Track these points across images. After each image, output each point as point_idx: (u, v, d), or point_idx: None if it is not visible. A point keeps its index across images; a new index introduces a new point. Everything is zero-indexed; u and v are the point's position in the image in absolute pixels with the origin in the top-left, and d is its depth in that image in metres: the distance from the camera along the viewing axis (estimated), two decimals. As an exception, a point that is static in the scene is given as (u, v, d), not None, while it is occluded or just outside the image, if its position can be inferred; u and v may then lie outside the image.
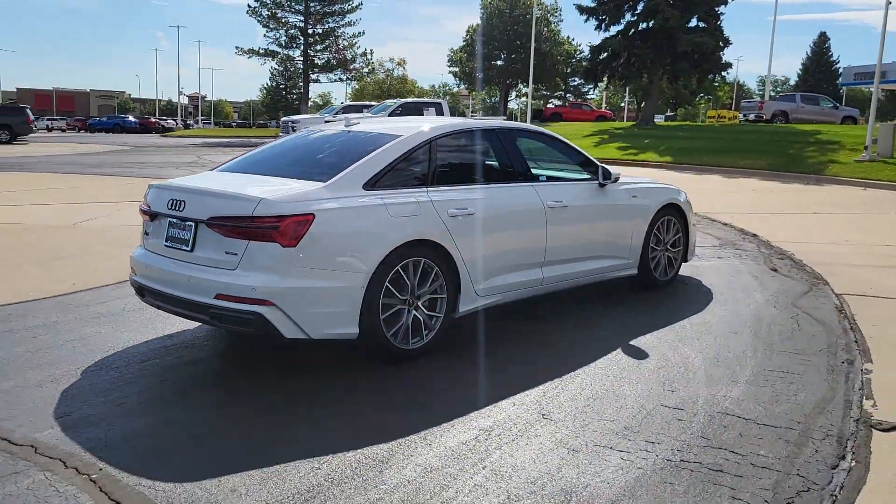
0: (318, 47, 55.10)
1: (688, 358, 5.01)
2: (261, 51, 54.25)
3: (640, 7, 34.66)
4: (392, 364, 4.79)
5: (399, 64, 72.09)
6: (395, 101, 29.50)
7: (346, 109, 30.17)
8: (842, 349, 5.22)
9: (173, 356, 4.94)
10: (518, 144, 5.86)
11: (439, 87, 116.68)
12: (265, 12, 53.12)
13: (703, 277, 7.50)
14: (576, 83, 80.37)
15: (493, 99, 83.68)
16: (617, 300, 6.64)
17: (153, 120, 72.61)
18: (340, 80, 56.91)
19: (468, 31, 69.39)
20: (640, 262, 6.68)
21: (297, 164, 5.21)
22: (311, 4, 53.30)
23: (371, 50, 61.63)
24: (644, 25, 35.21)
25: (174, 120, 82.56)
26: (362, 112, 27.33)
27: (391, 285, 4.70)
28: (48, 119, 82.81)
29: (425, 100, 30.52)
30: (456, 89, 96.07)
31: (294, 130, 29.67)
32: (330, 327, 4.51)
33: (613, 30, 35.43)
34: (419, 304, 4.90)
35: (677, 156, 24.25)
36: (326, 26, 54.76)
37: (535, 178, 5.81)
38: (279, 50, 54.65)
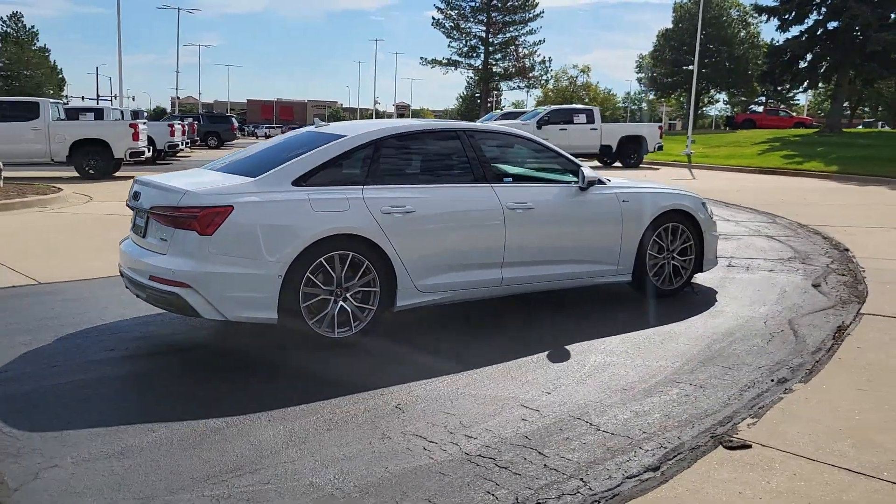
0: (498, 56, 56.05)
1: (607, 365, 4.89)
2: (444, 61, 56.16)
3: (826, 4, 32.03)
4: (320, 350, 5.08)
5: (583, 71, 71.61)
6: (545, 107, 29.52)
7: (506, 116, 30.58)
8: (788, 368, 4.85)
9: (139, 331, 5.57)
10: (483, 147, 5.93)
11: (635, 94, 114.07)
12: (448, 24, 54.94)
13: (725, 289, 7.10)
14: (778, 88, 75.21)
15: (685, 105, 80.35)
16: (604, 305, 6.51)
17: (350, 127, 77.32)
18: (519, 87, 57.54)
19: (657, 36, 67.36)
20: (636, 270, 6.47)
21: (256, 162, 5.63)
22: (493, 15, 54.34)
23: (550, 58, 61.42)
24: (834, 24, 32.51)
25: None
26: (517, 119, 27.60)
27: (313, 275, 5.02)
28: (266, 127, 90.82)
29: (577, 106, 30.19)
30: (651, 96, 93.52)
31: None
32: (247, 311, 4.92)
33: (795, 30, 33.02)
34: (348, 295, 5.17)
35: (845, 165, 22.30)
36: (507, 35, 55.59)
37: (498, 180, 5.86)
38: (461, 59, 56.26)
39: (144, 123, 21.90)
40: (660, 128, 27.43)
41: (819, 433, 3.80)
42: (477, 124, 6.46)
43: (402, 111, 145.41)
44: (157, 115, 76.44)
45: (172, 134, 26.98)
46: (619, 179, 6.81)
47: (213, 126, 43.63)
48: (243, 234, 4.87)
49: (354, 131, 5.58)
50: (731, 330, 5.70)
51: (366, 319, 5.25)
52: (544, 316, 6.20)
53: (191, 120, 36.93)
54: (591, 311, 6.34)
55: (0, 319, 5.81)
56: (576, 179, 6.18)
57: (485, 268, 5.72)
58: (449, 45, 56.97)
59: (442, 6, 54.37)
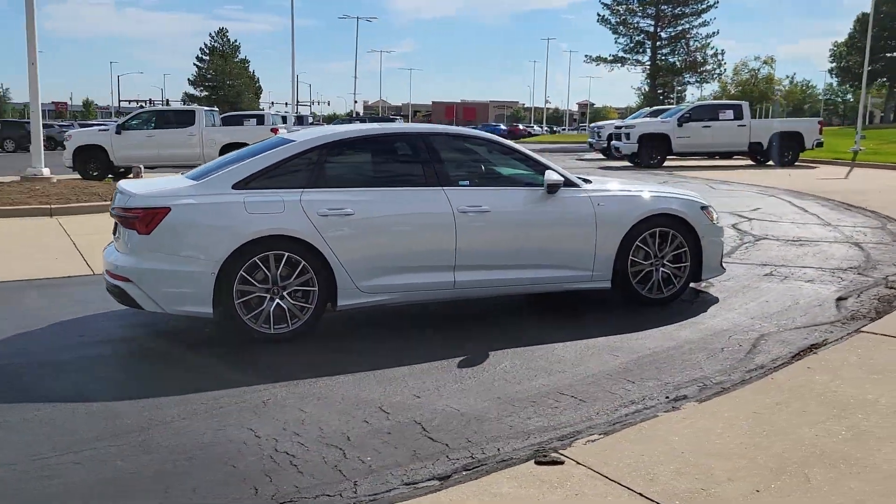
0: (665, 51, 53.93)
1: (509, 373, 4.81)
2: (609, 58, 54.94)
3: None
4: (253, 344, 5.37)
5: (766, 62, 66.65)
6: (688, 103, 28.09)
7: (653, 113, 29.52)
8: (699, 386, 4.53)
9: (122, 321, 6.09)
10: (440, 150, 5.94)
11: (837, 85, 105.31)
12: (615, 19, 53.64)
13: (733, 299, 6.63)
14: None
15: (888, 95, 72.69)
16: (577, 311, 6.32)
17: (520, 127, 77.64)
18: (688, 83, 55.06)
19: (854, 22, 61.62)
20: (617, 276, 6.21)
21: (219, 165, 5.98)
22: (663, 8, 52.34)
23: (723, 50, 57.32)
24: None
25: (540, 126, 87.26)
26: (657, 117, 26.59)
27: (248, 274, 5.31)
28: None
29: (724, 101, 28.44)
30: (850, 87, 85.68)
31: (599, 137, 29.97)
32: (183, 305, 5.32)
33: None
34: (284, 293, 5.42)
35: None
36: (677, 29, 53.35)
37: (453, 183, 5.85)
38: (627, 56, 54.72)
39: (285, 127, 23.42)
40: (819, 123, 25.25)
41: (654, 455, 3.56)
42: (438, 127, 6.48)
43: (583, 109, 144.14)
44: (347, 118, 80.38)
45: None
46: (603, 181, 6.57)
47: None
48: (178, 233, 5.27)
49: (304, 137, 5.82)
50: (683, 343, 5.36)
51: (304, 317, 5.47)
52: (501, 318, 6.14)
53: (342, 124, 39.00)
54: (556, 317, 6.21)
55: (21, 305, 6.62)
56: (557, 181, 5.98)
57: (435, 271, 5.75)
58: (616, 41, 55.66)
59: (608, 2, 53.15)
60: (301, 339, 5.45)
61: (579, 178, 6.42)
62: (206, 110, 21.95)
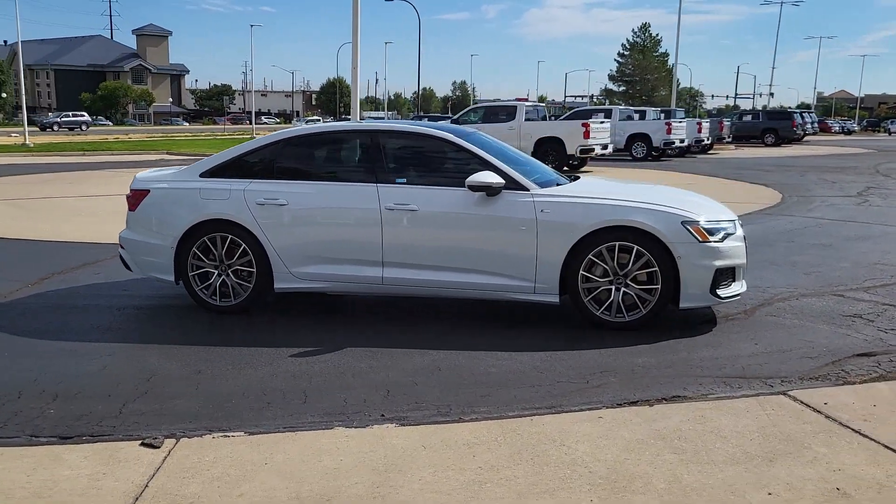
0: None
1: (329, 366, 4.84)
2: None
3: None
4: (200, 312, 6.17)
5: None
6: None
7: None
8: (439, 410, 4.06)
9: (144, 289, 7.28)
10: (386, 148, 5.94)
11: None
12: None
13: (732, 334, 5.46)
14: None
15: None
16: (522, 322, 5.79)
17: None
18: None
19: None
20: (565, 292, 5.57)
21: (215, 156, 6.71)
22: None
23: None
24: None
25: None
26: None
27: (199, 251, 6.11)
28: (890, 122, 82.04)
29: None
30: None
31: None
32: (153, 272, 6.32)
33: None
34: (229, 272, 6.09)
35: None
36: None
37: (390, 180, 5.85)
38: None
39: (602, 123, 23.30)
40: None
41: (235, 461, 3.53)
42: (395, 125, 6.38)
43: None
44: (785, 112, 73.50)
45: (669, 132, 27.80)
46: (575, 185, 5.95)
47: (771, 123, 42.49)
48: (152, 212, 6.28)
49: (272, 133, 6.37)
50: (531, 369, 4.73)
51: (245, 294, 6.08)
52: (439, 321, 5.96)
53: (720, 119, 36.83)
54: (488, 327, 5.78)
55: (115, 261, 8.20)
56: (485, 183, 5.60)
57: (364, 265, 5.85)
58: None
59: None
60: (251, 311, 6.12)
61: (562, 176, 5.91)
62: (527, 105, 23.01)
